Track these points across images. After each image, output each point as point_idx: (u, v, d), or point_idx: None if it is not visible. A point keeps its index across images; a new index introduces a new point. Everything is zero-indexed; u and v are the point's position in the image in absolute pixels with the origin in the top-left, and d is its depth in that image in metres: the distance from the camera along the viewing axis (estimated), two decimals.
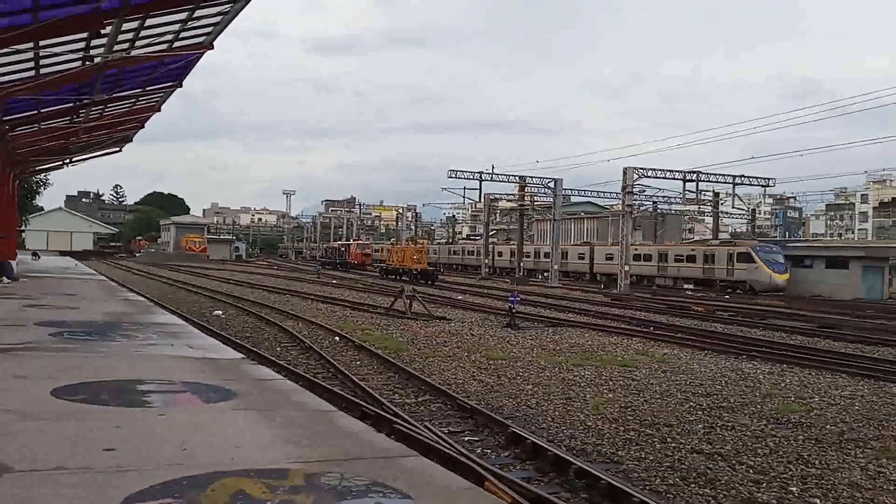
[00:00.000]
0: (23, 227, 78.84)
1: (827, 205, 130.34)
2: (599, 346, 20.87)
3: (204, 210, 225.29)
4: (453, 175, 59.42)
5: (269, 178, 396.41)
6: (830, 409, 12.80)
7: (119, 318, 14.42)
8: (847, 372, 17.03)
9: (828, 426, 11.50)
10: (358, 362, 16.64)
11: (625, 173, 48.20)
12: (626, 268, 47.04)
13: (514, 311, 25.71)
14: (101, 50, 14.31)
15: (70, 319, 13.95)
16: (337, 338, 20.56)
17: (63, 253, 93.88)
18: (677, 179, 51.98)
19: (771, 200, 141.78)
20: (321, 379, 14.10)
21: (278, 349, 18.49)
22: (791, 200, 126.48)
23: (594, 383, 14.72)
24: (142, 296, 32.84)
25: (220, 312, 27.48)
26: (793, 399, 13.55)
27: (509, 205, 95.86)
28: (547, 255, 68.34)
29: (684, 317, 32.10)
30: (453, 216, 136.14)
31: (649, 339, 22.73)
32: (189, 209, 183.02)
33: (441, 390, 13.09)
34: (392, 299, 30.86)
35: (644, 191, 55.91)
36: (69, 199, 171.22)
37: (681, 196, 55.86)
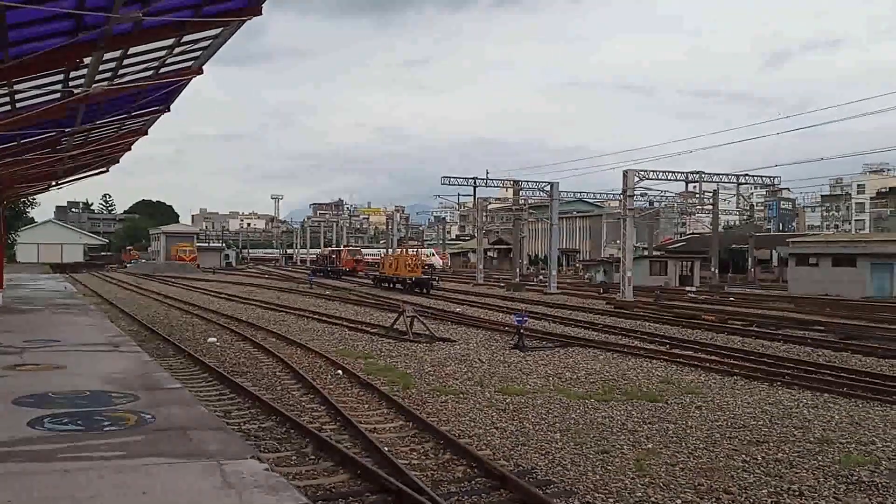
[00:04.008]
0: (12, 240, 77.62)
1: (823, 196, 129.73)
2: (619, 372, 19.66)
3: (192, 216, 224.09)
4: (447, 182, 58.45)
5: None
6: None
7: (116, 386, 12.34)
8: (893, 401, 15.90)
9: None
10: (366, 406, 15.40)
11: (625, 176, 47.00)
12: (629, 274, 45.86)
13: (522, 332, 24.54)
14: (82, 81, 13.06)
15: (54, 390, 11.69)
16: (340, 371, 19.34)
17: (54, 267, 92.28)
18: (679, 181, 50.95)
19: (764, 192, 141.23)
20: (330, 431, 12.91)
21: (278, 388, 17.26)
22: (784, 192, 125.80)
23: (627, 428, 13.51)
24: (136, 321, 31.66)
25: (215, 339, 26.22)
26: (853, 446, 12.34)
27: (496, 205, 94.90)
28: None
29: (696, 327, 30.95)
30: (444, 218, 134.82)
31: (669, 361, 21.53)
32: (178, 216, 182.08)
33: (463, 448, 11.83)
34: (389, 315, 29.80)
35: (645, 194, 54.80)
36: (59, 209, 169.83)
37: (678, 195, 55.35)
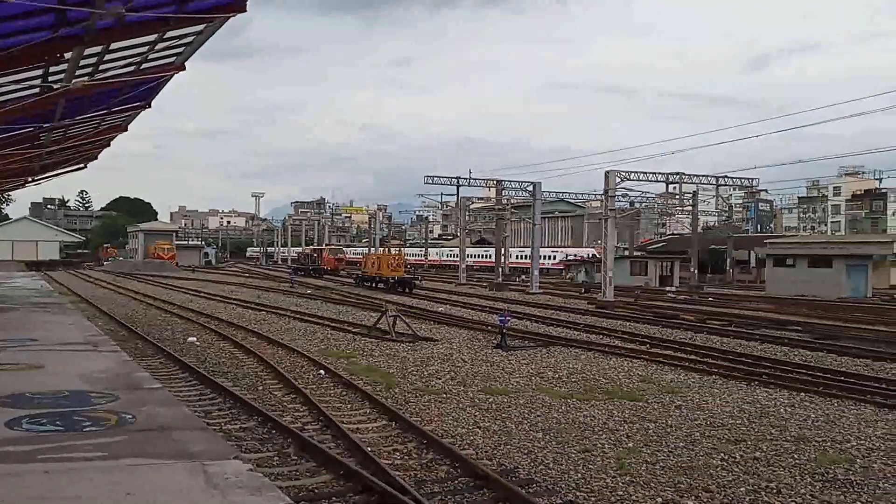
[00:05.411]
0: None
1: (799, 198, 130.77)
2: (600, 371, 19.78)
3: (171, 213, 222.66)
4: (430, 181, 58.44)
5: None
6: (873, 457, 11.73)
7: (95, 386, 12.10)
8: (869, 401, 16.04)
9: (882, 483, 10.44)
10: (349, 406, 15.38)
11: (607, 177, 47.24)
12: (610, 274, 46.04)
13: (504, 331, 24.58)
14: (62, 76, 12.95)
15: (32, 390, 11.35)
16: (322, 371, 19.27)
17: (29, 265, 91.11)
18: (660, 182, 51.28)
19: (742, 193, 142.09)
20: (313, 431, 12.89)
21: (260, 388, 17.18)
22: (762, 193, 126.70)
23: (608, 428, 13.59)
24: (115, 320, 31.34)
25: (195, 339, 26.03)
26: (828, 444, 12.49)
27: (479, 205, 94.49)
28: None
29: (675, 327, 31.15)
30: (427, 217, 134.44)
31: (649, 360, 21.65)
32: (156, 213, 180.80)
33: (447, 448, 11.84)
34: (372, 315, 29.74)
35: (626, 194, 55.06)
36: (34, 206, 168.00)
37: (658, 196, 55.67)
